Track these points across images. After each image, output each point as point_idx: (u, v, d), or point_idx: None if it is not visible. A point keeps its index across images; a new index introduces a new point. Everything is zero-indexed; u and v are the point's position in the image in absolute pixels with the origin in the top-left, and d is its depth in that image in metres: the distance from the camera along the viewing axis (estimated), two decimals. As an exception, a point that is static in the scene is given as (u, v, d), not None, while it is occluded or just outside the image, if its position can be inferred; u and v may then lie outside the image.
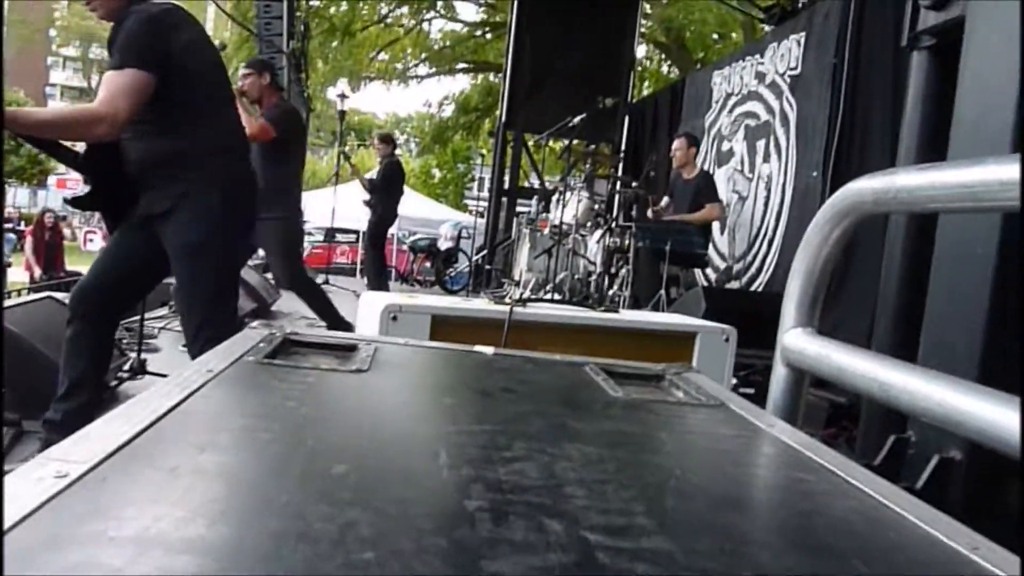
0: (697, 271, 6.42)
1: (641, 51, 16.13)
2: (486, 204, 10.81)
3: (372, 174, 8.18)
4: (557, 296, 5.75)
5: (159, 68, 2.27)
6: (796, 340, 1.48)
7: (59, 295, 3.81)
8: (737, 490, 0.81)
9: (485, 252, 10.22)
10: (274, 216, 4.16)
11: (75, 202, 2.50)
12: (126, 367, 3.30)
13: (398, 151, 8.14)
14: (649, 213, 6.00)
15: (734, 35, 15.63)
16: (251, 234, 2.87)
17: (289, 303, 6.03)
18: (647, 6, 13.92)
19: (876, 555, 0.64)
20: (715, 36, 16.26)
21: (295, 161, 4.81)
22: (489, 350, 1.34)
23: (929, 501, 0.75)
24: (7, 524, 0.48)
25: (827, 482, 0.80)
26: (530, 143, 10.24)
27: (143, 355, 3.45)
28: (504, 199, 10.47)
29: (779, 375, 1.53)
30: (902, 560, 0.65)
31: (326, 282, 8.12)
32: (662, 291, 5.09)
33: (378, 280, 7.58)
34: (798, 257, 1.50)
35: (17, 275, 11.03)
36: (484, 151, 16.82)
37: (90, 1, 2.38)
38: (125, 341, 3.72)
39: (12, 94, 31.84)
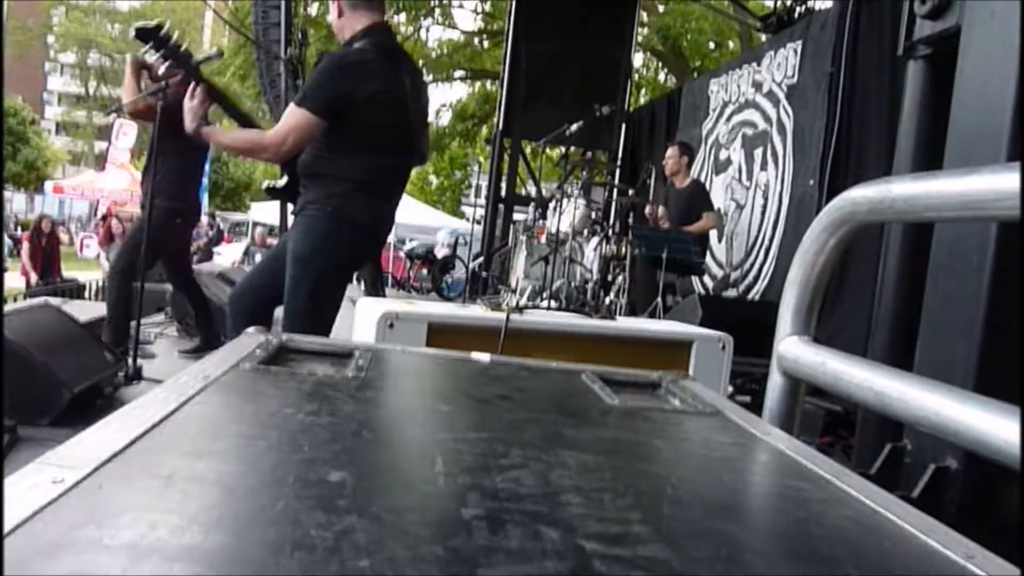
0: (694, 279, 6.43)
1: (638, 59, 16.20)
2: (483, 211, 10.81)
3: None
4: (553, 304, 5.75)
5: (333, 114, 2.47)
6: (792, 348, 1.48)
7: (55, 300, 3.80)
8: (733, 498, 0.81)
9: (482, 259, 10.22)
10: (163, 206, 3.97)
11: (270, 191, 2.82)
12: (122, 373, 3.30)
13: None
14: (648, 210, 6.01)
15: (731, 44, 15.68)
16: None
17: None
18: (644, 15, 13.96)
19: (871, 564, 0.64)
20: (712, 45, 16.31)
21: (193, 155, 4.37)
22: (486, 357, 1.34)
23: (925, 510, 0.75)
24: (3, 531, 0.48)
25: (822, 490, 0.81)
26: (527, 150, 10.26)
27: (139, 361, 3.44)
28: (501, 206, 10.48)
29: (775, 383, 1.53)
30: (897, 569, 0.65)
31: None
32: (658, 299, 5.09)
33: (374, 287, 7.57)
34: (794, 265, 1.51)
35: (13, 280, 11.00)
36: (481, 158, 16.85)
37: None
38: (121, 348, 3.71)
39: (10, 99, 31.84)
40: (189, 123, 2.56)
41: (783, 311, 1.52)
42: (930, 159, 2.44)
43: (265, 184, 2.89)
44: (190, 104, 2.55)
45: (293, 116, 2.46)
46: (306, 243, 2.54)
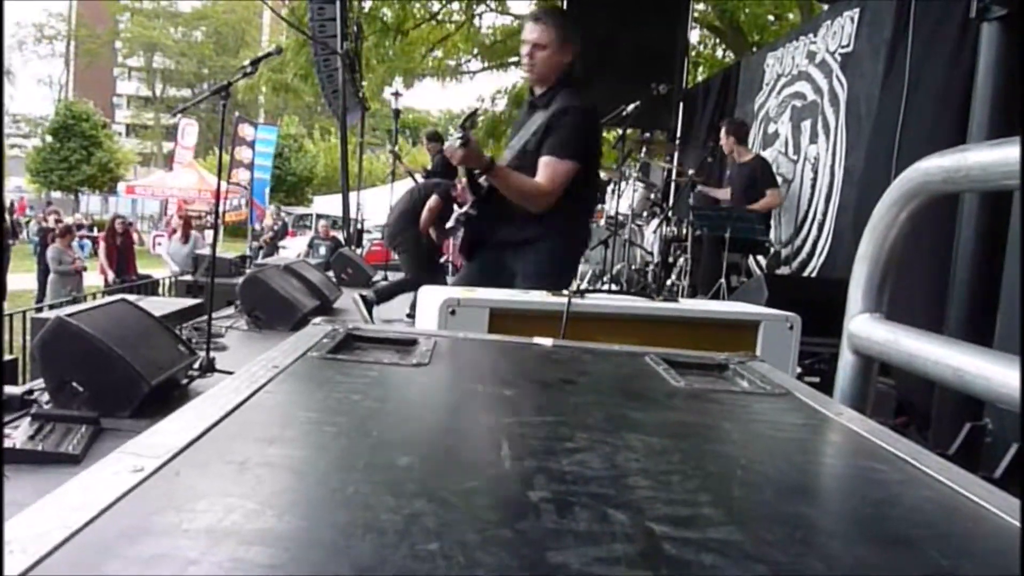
0: (749, 257, 6.29)
1: (695, 36, 15.86)
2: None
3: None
4: (614, 287, 5.71)
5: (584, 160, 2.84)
6: (863, 326, 1.44)
7: (131, 297, 3.94)
8: (806, 479, 0.79)
9: (541, 244, 10.19)
10: None
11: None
12: (195, 365, 3.40)
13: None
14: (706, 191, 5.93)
15: (791, 16, 15.22)
16: None
17: (349, 300, 6.12)
18: (700, -10, 13.67)
19: (954, 546, 0.62)
20: (771, 18, 15.85)
21: None
22: (548, 342, 1.33)
23: (1008, 491, 0.72)
24: (87, 517, 0.50)
25: (900, 471, 0.78)
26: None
27: (212, 353, 3.55)
28: (558, 191, 10.44)
29: (846, 362, 1.49)
30: (981, 551, 0.62)
31: (385, 279, 8.22)
32: (722, 279, 5.00)
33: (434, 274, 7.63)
34: (864, 240, 1.46)
35: (92, 279, 11.47)
36: (538, 143, 16.75)
37: (531, 58, 2.94)
38: (194, 340, 3.83)
39: (83, 105, 33.06)
40: None
41: (853, 288, 1.47)
42: (1007, 124, 2.33)
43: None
44: None
45: (557, 166, 2.78)
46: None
